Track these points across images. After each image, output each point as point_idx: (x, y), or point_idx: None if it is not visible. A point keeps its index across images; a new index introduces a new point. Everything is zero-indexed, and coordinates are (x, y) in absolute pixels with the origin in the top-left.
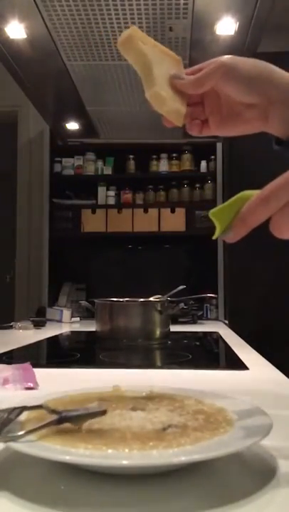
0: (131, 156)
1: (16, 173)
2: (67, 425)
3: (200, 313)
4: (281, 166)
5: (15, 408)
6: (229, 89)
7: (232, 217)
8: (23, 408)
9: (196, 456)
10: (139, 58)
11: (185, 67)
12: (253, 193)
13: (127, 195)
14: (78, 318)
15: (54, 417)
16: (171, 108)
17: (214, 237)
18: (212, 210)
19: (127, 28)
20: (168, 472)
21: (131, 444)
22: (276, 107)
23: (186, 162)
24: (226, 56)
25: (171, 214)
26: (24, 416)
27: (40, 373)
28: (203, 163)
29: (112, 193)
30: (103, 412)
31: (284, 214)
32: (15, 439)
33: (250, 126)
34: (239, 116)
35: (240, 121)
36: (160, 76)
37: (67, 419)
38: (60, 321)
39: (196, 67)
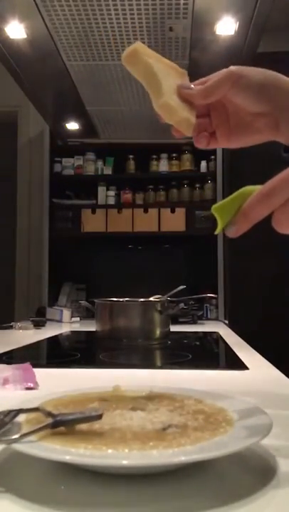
0: (131, 156)
1: (16, 173)
2: (61, 429)
3: (200, 313)
4: (281, 166)
5: (11, 411)
6: (239, 98)
7: (234, 213)
8: (19, 411)
9: (196, 456)
10: (145, 71)
11: (185, 67)
12: (255, 189)
13: (127, 195)
14: (78, 318)
15: (49, 420)
16: (180, 117)
17: (216, 232)
18: (214, 205)
19: (127, 27)
20: (168, 472)
21: (131, 444)
22: (286, 114)
23: (186, 162)
24: (234, 66)
25: (171, 214)
26: (20, 419)
27: (40, 373)
28: (203, 163)
29: (112, 193)
30: (99, 417)
31: (286, 209)
32: (10, 441)
33: (260, 136)
34: (249, 127)
35: (249, 131)
36: (168, 87)
37: (62, 423)
38: (60, 321)
39: (202, 79)
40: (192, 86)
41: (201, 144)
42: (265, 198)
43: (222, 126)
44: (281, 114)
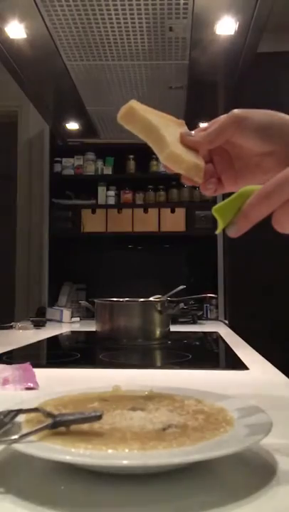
0: (131, 156)
1: (16, 173)
2: (61, 429)
3: (200, 313)
4: None
5: (11, 411)
6: (245, 140)
7: (234, 213)
8: (19, 411)
9: (196, 456)
10: (145, 127)
11: (185, 67)
12: (255, 189)
13: (127, 195)
14: (78, 318)
15: (49, 420)
16: (188, 164)
17: (217, 232)
18: (215, 206)
19: (127, 27)
20: (168, 472)
21: (131, 444)
22: None
23: None
24: (236, 109)
25: (171, 214)
26: (20, 419)
27: (40, 373)
28: None
29: (112, 193)
30: (99, 417)
31: (286, 209)
32: (10, 441)
33: (270, 174)
34: (256, 168)
35: (258, 172)
36: (171, 137)
37: (61, 424)
38: (60, 321)
39: (203, 126)
40: (195, 133)
41: (209, 191)
42: (264, 199)
43: (226, 171)
44: None
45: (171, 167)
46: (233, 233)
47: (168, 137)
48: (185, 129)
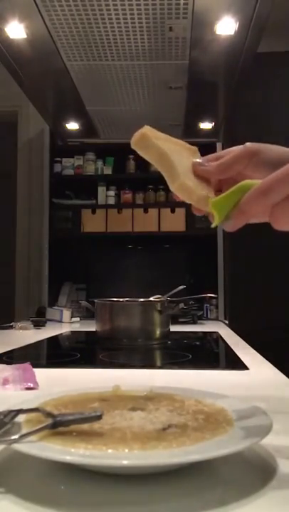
0: (131, 156)
1: (16, 173)
2: (61, 429)
3: (200, 313)
4: None
5: (11, 411)
6: (256, 173)
7: (231, 207)
8: (19, 411)
9: (196, 456)
10: (158, 154)
11: (185, 67)
12: (254, 183)
13: (127, 195)
14: (78, 318)
15: (49, 420)
16: (199, 196)
17: (213, 226)
18: (212, 200)
19: (127, 27)
20: (168, 472)
21: (131, 444)
22: None
23: None
24: (249, 143)
25: (171, 214)
26: (20, 419)
27: (40, 373)
28: None
29: (112, 193)
30: (99, 417)
31: (283, 207)
32: (10, 441)
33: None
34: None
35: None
36: (182, 167)
37: (61, 424)
38: (60, 321)
39: (216, 154)
40: (207, 162)
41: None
42: (262, 195)
43: None
44: None
45: (182, 197)
46: (230, 228)
47: (179, 167)
48: (198, 156)
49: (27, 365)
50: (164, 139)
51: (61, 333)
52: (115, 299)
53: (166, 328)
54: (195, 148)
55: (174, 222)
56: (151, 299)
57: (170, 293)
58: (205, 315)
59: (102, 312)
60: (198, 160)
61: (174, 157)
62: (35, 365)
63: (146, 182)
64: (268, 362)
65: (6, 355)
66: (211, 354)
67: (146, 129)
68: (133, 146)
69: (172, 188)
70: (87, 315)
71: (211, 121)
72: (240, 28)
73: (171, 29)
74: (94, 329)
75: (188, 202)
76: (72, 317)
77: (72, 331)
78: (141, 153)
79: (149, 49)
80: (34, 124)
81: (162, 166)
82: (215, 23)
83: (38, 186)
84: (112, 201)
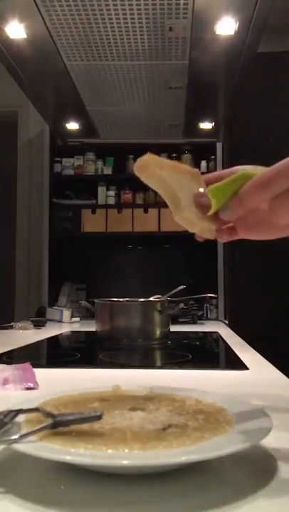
0: (131, 156)
1: (16, 173)
2: (61, 429)
3: (200, 313)
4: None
5: (11, 411)
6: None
7: (230, 196)
8: (19, 411)
9: (196, 456)
10: (161, 183)
11: (185, 67)
12: (254, 173)
13: (127, 195)
14: (78, 318)
15: (49, 420)
16: (201, 227)
17: (209, 214)
18: (211, 187)
19: (127, 27)
20: (168, 472)
21: (131, 444)
22: None
23: (186, 162)
24: (242, 168)
25: (171, 214)
26: (20, 419)
27: (40, 373)
28: (203, 163)
29: (112, 193)
30: (99, 417)
31: (282, 200)
32: (10, 441)
33: (286, 231)
34: (271, 224)
35: (272, 227)
36: (185, 198)
37: (61, 424)
38: (60, 321)
39: (215, 174)
40: (208, 187)
41: (223, 239)
42: (261, 188)
43: (240, 222)
44: None
45: (185, 227)
46: (226, 217)
47: (183, 199)
48: (200, 179)
49: (27, 365)
50: (166, 167)
51: (61, 333)
52: (115, 299)
53: (166, 328)
54: (197, 171)
55: (174, 222)
56: (151, 299)
57: (170, 293)
58: (205, 315)
59: (102, 312)
60: (199, 192)
61: (177, 188)
62: (35, 365)
63: None
64: (268, 362)
65: (6, 355)
66: (211, 354)
67: (149, 158)
68: (137, 173)
69: (175, 218)
70: (87, 315)
71: (211, 121)
72: (240, 28)
73: (171, 29)
74: (94, 329)
75: (191, 231)
76: (72, 317)
77: (72, 331)
78: (143, 179)
79: (149, 49)
80: (34, 124)
81: (165, 195)
82: (215, 23)
83: (38, 186)
84: (112, 201)
